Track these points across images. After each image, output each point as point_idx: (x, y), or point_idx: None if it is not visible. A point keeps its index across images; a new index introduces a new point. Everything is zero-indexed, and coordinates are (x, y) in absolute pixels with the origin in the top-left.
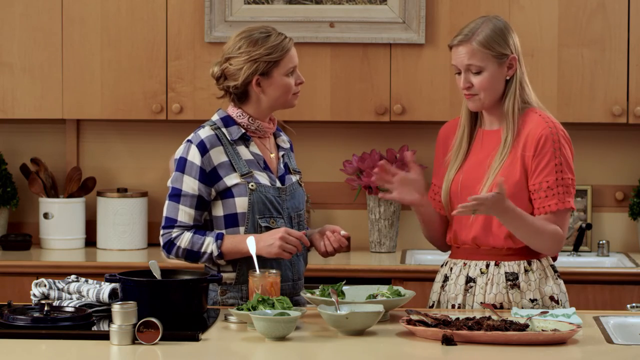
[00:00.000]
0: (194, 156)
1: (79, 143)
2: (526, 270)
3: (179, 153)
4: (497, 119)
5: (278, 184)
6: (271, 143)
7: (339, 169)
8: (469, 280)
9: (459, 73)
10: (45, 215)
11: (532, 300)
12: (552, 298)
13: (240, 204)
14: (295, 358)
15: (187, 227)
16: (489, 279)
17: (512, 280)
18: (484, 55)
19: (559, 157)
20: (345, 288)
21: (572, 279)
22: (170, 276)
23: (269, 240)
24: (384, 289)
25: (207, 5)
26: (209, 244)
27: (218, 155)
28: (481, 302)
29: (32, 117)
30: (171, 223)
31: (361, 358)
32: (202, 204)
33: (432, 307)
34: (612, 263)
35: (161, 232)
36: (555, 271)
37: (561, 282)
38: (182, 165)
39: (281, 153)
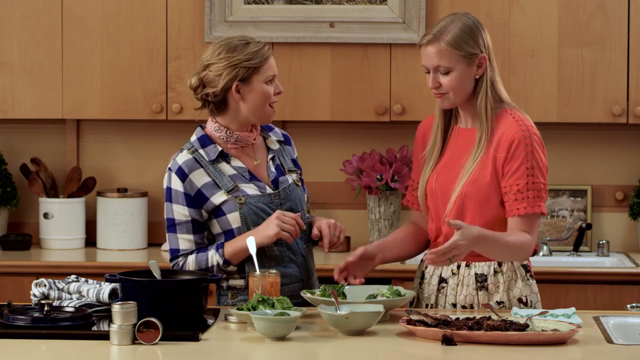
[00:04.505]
0: (176, 184)
1: (79, 143)
2: (495, 272)
3: (164, 182)
4: (470, 117)
5: (269, 190)
6: (255, 150)
7: (339, 169)
8: (442, 280)
9: (429, 72)
10: (45, 215)
11: (499, 303)
12: (520, 300)
13: (233, 219)
14: (295, 358)
15: (190, 253)
16: (459, 280)
17: (481, 282)
18: (452, 55)
19: (531, 161)
20: (345, 288)
21: (572, 279)
22: (170, 276)
23: (264, 226)
24: (384, 289)
25: (207, 5)
26: (213, 257)
27: (200, 177)
28: (483, 304)
29: (32, 117)
30: (176, 253)
31: (361, 358)
32: (198, 227)
33: (412, 302)
34: (612, 263)
35: (171, 264)
36: (528, 271)
37: (533, 282)
38: (169, 194)
39: (270, 156)
